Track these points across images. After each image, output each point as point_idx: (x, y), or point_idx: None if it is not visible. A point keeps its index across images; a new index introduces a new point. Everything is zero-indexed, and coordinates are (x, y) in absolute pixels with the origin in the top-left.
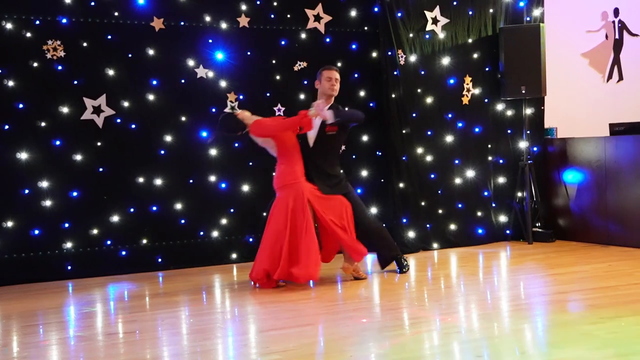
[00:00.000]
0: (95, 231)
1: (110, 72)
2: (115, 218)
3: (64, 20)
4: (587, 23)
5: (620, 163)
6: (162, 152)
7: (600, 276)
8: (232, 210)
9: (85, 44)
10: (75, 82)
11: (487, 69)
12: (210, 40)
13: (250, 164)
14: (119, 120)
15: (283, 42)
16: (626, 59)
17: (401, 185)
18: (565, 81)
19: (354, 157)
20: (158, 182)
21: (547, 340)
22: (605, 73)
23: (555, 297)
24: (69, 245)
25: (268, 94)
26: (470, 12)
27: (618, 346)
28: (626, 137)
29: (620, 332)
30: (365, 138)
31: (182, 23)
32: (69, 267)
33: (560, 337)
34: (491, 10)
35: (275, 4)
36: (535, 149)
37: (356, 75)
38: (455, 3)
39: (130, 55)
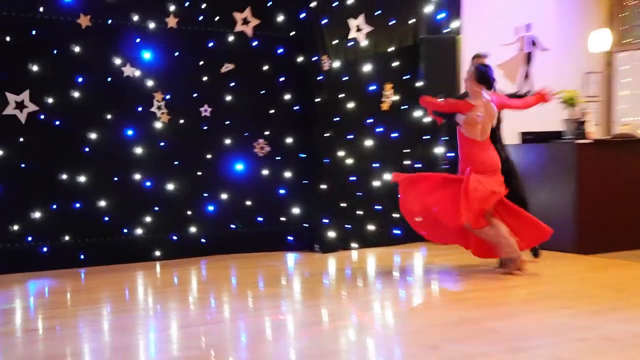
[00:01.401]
0: (15, 227)
1: (35, 68)
2: (37, 214)
3: None
4: (502, 36)
5: (529, 169)
6: (87, 149)
7: (505, 275)
8: (156, 208)
9: (8, 38)
10: None
11: (406, 77)
12: (137, 40)
13: (176, 163)
14: (42, 117)
15: (211, 44)
16: (537, 72)
17: (323, 186)
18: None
19: (278, 158)
20: (82, 179)
21: (456, 336)
22: (518, 84)
23: (465, 295)
24: None
25: (195, 95)
26: (392, 22)
27: (518, 341)
28: (535, 145)
29: (521, 328)
30: (289, 140)
31: (110, 21)
32: None
33: (467, 333)
34: (412, 21)
35: (203, 6)
36: (450, 154)
37: (282, 79)
38: (378, 12)
39: (55, 52)
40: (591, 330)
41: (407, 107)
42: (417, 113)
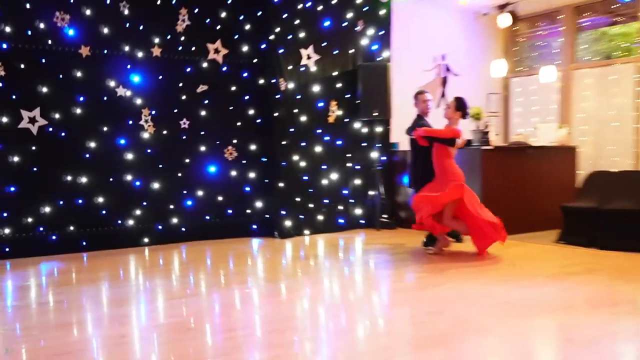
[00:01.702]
0: (29, 220)
1: (44, 89)
2: (46, 209)
3: (4, 45)
4: (423, 64)
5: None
6: (87, 155)
7: (428, 254)
8: (144, 203)
9: (22, 65)
10: (14, 97)
11: (348, 96)
12: (128, 66)
13: (160, 166)
14: (50, 129)
15: (188, 69)
16: (450, 92)
17: (281, 184)
18: (407, 107)
19: (244, 162)
20: (83, 180)
21: (388, 302)
22: (435, 102)
23: (397, 270)
24: (7, 231)
25: (175, 110)
26: (336, 52)
27: (437, 305)
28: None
29: (439, 295)
30: (253, 147)
31: (105, 51)
32: (7, 249)
33: (396, 300)
34: (351, 51)
35: (182, 38)
36: (383, 158)
37: (247, 98)
38: (324, 44)
39: (60, 76)
40: (494, 297)
41: (348, 120)
42: (357, 125)
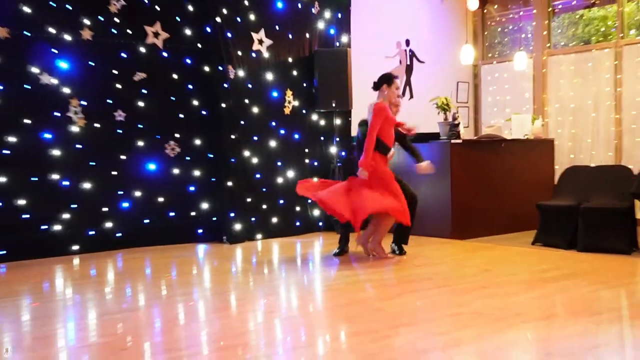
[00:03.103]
0: None
1: None
2: None
3: None
4: (385, 50)
5: (410, 166)
6: (6, 151)
7: (392, 260)
8: (74, 205)
9: None
10: None
11: (304, 85)
12: (54, 51)
13: (92, 163)
14: None
15: (124, 55)
16: (416, 81)
17: (230, 183)
18: (369, 97)
19: (188, 158)
20: (2, 179)
21: (348, 315)
22: (400, 92)
23: (356, 278)
24: None
25: (109, 101)
26: (290, 36)
27: (400, 318)
28: (418, 144)
29: (403, 306)
30: (198, 142)
31: (27, 33)
32: None
33: (356, 312)
34: (307, 35)
35: (117, 20)
36: (343, 153)
37: (190, 87)
38: (277, 27)
39: None
40: (462, 307)
41: (305, 111)
42: (314, 116)
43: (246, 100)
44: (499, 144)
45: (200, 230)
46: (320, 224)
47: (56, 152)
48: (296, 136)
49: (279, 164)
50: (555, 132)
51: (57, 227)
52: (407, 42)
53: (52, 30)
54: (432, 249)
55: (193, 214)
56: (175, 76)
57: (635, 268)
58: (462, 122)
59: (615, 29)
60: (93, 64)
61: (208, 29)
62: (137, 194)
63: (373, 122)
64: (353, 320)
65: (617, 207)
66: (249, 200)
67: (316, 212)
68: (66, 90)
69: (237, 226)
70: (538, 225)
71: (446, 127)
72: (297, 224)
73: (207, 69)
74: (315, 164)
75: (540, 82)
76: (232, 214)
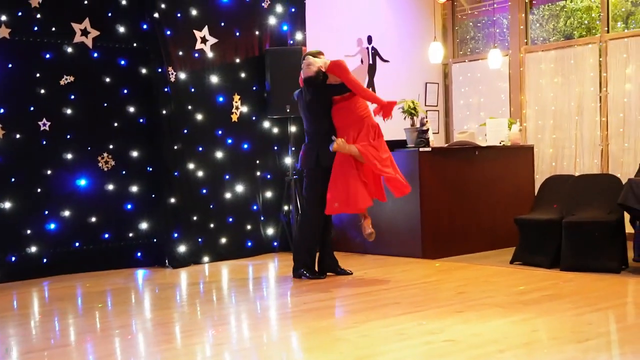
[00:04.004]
0: None
1: None
2: None
3: None
4: (345, 48)
5: None
6: None
7: (356, 283)
8: None
9: None
10: None
11: (254, 88)
12: None
13: (12, 180)
14: None
15: (48, 56)
16: (379, 82)
17: (172, 200)
18: None
19: (123, 172)
20: None
21: (308, 345)
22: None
23: (316, 304)
24: None
25: (32, 108)
26: (238, 33)
27: (366, 348)
28: None
29: (369, 335)
30: (135, 154)
31: None
32: None
33: (317, 342)
34: (257, 32)
35: (39, 15)
36: (298, 165)
37: (125, 91)
38: (222, 24)
39: None
40: (435, 334)
41: (256, 118)
42: (266, 124)
43: (189, 106)
44: (472, 152)
45: (139, 254)
46: (275, 243)
47: None
48: (245, 146)
49: (227, 177)
50: (534, 137)
51: None
52: (369, 39)
53: None
54: (400, 270)
55: (131, 235)
56: (107, 79)
57: (625, 288)
58: (432, 127)
59: (599, 21)
60: (11, 66)
61: (144, 26)
62: (66, 213)
63: (350, 77)
64: (313, 351)
65: (605, 220)
66: (194, 218)
67: (270, 231)
68: None
69: (181, 248)
70: (517, 242)
71: (413, 134)
72: (249, 244)
73: (144, 71)
74: (268, 176)
75: (517, 82)
76: (176, 235)
